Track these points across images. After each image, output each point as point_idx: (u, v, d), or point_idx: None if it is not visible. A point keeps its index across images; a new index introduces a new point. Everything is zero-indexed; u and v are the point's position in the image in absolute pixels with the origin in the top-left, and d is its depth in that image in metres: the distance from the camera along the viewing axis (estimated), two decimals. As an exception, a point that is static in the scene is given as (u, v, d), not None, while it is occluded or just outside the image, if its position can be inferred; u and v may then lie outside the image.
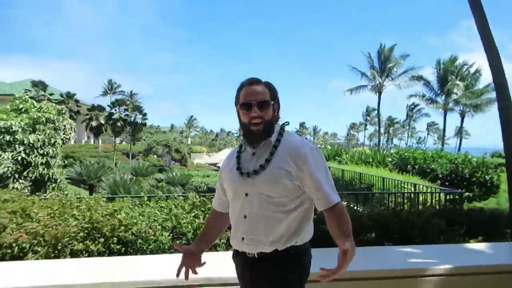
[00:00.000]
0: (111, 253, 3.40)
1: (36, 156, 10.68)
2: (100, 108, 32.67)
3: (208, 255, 3.04)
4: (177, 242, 3.72)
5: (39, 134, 10.93)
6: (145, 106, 39.08)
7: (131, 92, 46.53)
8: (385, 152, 20.06)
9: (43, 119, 11.23)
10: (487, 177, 12.67)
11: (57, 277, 2.47)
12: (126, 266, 2.77)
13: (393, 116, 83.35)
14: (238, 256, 1.73)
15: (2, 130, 10.31)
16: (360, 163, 16.54)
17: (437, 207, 6.35)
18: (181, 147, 36.28)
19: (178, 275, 1.80)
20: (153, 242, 3.64)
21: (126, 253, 3.48)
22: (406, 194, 8.23)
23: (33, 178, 10.69)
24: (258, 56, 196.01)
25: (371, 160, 16.66)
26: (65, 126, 12.04)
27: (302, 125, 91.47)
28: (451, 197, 7.51)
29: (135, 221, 3.70)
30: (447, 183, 12.25)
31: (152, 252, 3.60)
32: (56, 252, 3.22)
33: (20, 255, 3.11)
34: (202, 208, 4.27)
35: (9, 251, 3.10)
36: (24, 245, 3.12)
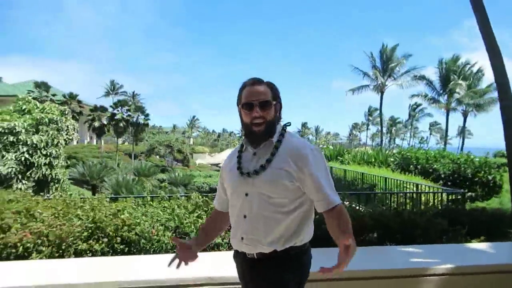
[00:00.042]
0: (114, 252, 3.42)
1: (39, 156, 10.75)
2: (103, 109, 32.78)
3: (210, 255, 3.08)
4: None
5: (42, 135, 10.99)
6: (145, 106, 39.07)
7: (133, 92, 46.79)
8: (387, 152, 19.99)
9: (46, 120, 11.30)
10: (490, 177, 12.62)
11: (61, 277, 2.51)
12: (129, 265, 2.80)
13: (396, 116, 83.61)
14: (238, 256, 1.74)
15: (6, 131, 10.37)
16: (362, 163, 16.52)
17: (439, 207, 6.33)
18: (183, 147, 36.31)
19: (169, 265, 1.82)
20: (156, 242, 3.67)
21: (129, 253, 3.50)
22: (408, 194, 8.23)
23: (36, 178, 10.75)
24: (258, 56, 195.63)
25: (373, 160, 16.64)
26: (67, 126, 12.11)
27: (304, 125, 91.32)
28: (454, 197, 7.48)
29: (138, 221, 3.72)
30: (449, 183, 12.20)
31: (155, 251, 3.62)
32: (60, 251, 3.25)
33: (25, 255, 3.13)
34: (205, 208, 4.29)
35: (13, 250, 3.13)
36: (28, 245, 3.14)
